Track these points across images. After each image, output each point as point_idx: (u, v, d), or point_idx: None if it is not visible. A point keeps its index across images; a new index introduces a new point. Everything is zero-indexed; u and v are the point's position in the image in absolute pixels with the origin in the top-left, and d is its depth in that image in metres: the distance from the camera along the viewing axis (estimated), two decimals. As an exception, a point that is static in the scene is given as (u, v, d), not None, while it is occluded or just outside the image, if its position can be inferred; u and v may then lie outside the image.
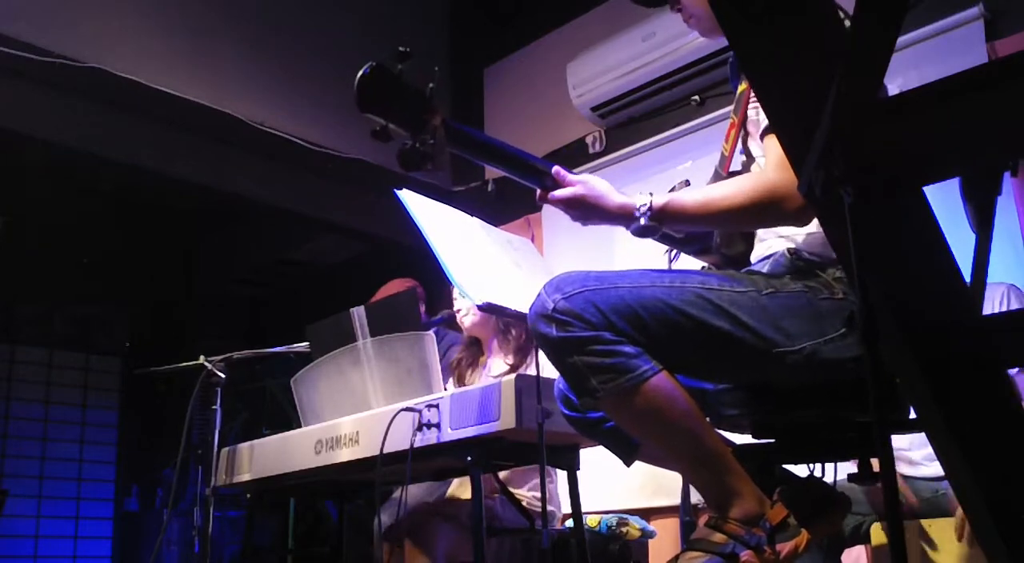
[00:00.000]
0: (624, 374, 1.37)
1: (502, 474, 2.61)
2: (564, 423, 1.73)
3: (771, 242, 1.60)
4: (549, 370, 2.58)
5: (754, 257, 1.65)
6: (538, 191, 1.63)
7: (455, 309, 3.04)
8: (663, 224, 1.55)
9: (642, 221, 1.53)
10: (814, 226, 1.50)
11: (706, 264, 1.82)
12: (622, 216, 1.56)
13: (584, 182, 1.59)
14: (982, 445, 0.91)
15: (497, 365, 2.97)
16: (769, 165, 1.48)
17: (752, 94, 1.59)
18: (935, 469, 2.45)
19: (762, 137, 1.53)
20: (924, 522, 2.29)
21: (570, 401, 1.66)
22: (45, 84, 3.63)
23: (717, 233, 1.74)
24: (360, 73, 1.43)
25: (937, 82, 0.79)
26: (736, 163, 1.68)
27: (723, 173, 1.71)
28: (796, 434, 1.56)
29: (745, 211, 1.48)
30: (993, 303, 2.38)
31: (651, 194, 1.55)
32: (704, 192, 1.55)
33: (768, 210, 1.46)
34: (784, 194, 1.42)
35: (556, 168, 1.61)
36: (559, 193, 1.59)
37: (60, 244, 5.41)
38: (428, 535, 2.57)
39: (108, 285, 5.78)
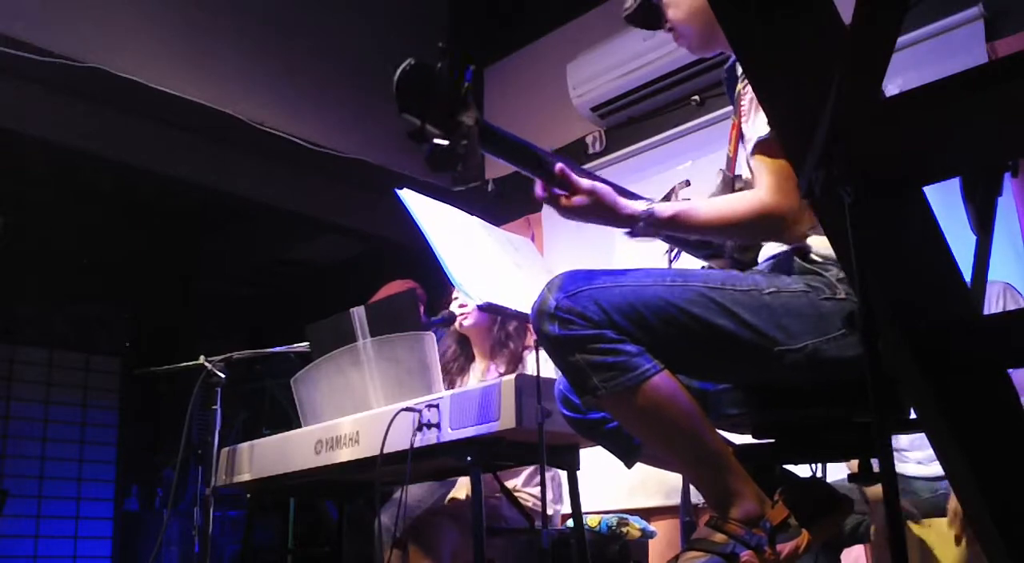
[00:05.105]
0: (626, 372, 1.37)
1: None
2: (564, 423, 1.73)
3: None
4: (548, 370, 2.59)
5: (761, 257, 1.65)
6: (539, 184, 1.55)
7: (460, 304, 3.00)
8: (661, 232, 1.57)
9: (642, 229, 1.53)
10: None
11: (707, 264, 1.82)
12: (624, 224, 1.55)
13: (594, 193, 1.51)
14: (982, 445, 0.91)
15: (489, 372, 2.96)
16: (763, 187, 1.48)
17: (742, 99, 1.59)
18: (935, 469, 2.46)
19: (751, 154, 1.52)
20: (924, 522, 2.29)
21: (570, 402, 1.66)
22: (45, 84, 3.62)
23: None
24: (398, 72, 1.39)
25: (937, 82, 0.79)
26: (740, 164, 1.68)
27: (729, 175, 1.71)
28: (796, 434, 1.56)
29: (741, 229, 1.54)
30: (989, 301, 2.37)
31: (652, 202, 1.55)
32: (710, 209, 1.54)
33: (762, 231, 1.54)
34: (780, 216, 1.46)
35: (560, 166, 1.52)
36: (573, 202, 1.52)
37: (60, 244, 5.41)
38: (433, 536, 2.56)
39: (108, 285, 5.77)
